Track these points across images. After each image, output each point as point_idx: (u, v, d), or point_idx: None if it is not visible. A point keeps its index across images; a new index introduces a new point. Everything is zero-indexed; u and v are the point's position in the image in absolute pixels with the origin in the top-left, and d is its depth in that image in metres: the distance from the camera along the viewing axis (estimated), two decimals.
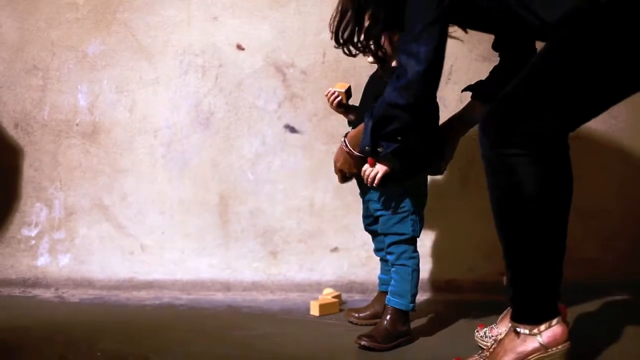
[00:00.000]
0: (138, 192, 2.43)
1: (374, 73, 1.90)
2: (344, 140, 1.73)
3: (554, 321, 1.41)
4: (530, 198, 1.36)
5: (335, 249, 2.40)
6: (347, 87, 1.91)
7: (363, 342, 1.71)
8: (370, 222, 1.96)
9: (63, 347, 1.73)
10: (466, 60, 2.31)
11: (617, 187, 2.38)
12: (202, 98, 2.42)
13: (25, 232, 2.45)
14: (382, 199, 1.82)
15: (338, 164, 1.78)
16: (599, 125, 2.37)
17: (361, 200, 1.97)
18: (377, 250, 2.00)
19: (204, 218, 2.42)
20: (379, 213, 1.84)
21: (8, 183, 2.44)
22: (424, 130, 1.61)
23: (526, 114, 1.36)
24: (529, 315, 1.43)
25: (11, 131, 2.44)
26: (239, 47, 2.41)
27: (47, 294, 2.36)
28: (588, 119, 1.43)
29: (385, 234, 1.84)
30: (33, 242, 2.44)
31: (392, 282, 1.81)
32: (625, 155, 2.39)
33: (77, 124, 2.44)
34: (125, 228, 2.43)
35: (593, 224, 2.35)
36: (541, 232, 1.38)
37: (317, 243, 2.40)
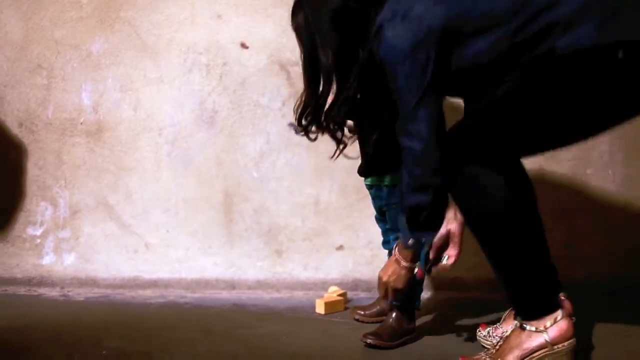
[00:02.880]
0: (142, 190, 2.43)
1: None
2: (395, 251, 1.62)
3: (559, 316, 1.42)
4: (496, 204, 1.40)
5: (340, 247, 2.39)
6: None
7: (369, 340, 1.71)
8: (379, 218, 1.96)
9: (68, 346, 1.73)
10: None
11: (618, 187, 2.37)
12: (206, 96, 2.41)
13: (30, 231, 2.45)
14: (387, 195, 1.83)
15: (385, 278, 1.65)
16: None
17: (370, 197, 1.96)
18: (385, 243, 1.99)
19: (208, 216, 2.41)
20: (385, 208, 1.85)
21: (13, 182, 2.44)
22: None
23: (482, 140, 1.40)
24: (530, 312, 1.45)
25: (15, 130, 2.45)
26: (243, 45, 2.41)
27: (52, 293, 2.36)
28: (537, 154, 1.53)
29: (392, 230, 1.85)
30: (38, 241, 2.45)
31: None
32: (628, 155, 2.37)
33: (81, 123, 2.44)
34: (129, 226, 2.43)
35: (595, 224, 2.35)
36: (515, 234, 1.42)
37: (322, 241, 2.39)
